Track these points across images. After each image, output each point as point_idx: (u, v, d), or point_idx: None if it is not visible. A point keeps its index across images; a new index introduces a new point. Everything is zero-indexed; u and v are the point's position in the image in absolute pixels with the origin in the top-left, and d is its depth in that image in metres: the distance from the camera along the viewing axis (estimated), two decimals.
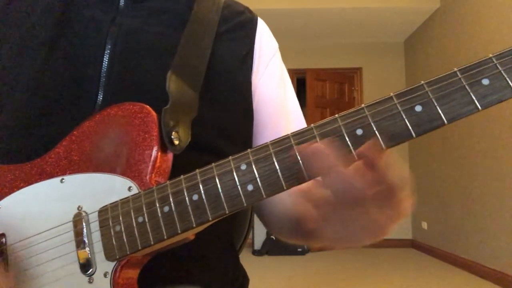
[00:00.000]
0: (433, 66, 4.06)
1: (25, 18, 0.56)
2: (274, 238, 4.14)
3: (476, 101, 0.32)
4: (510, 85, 0.31)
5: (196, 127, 0.51)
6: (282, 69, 0.69)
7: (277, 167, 0.36)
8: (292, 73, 4.28)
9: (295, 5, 3.89)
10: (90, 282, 0.41)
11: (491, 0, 3.03)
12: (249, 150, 0.38)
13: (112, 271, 0.41)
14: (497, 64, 0.32)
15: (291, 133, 0.37)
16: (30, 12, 0.56)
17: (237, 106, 0.60)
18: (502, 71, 0.31)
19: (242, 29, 0.64)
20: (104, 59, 0.53)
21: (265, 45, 0.66)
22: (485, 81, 0.32)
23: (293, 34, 4.49)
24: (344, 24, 4.30)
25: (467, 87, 0.32)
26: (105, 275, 0.41)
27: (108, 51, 0.54)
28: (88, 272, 0.41)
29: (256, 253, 4.12)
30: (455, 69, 0.33)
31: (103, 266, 0.41)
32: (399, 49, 4.83)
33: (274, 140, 0.37)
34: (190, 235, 0.43)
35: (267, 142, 0.38)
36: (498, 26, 2.92)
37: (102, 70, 0.53)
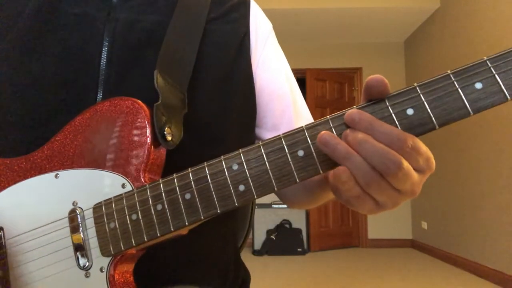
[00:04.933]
0: (433, 66, 4.06)
1: (15, 17, 0.55)
2: (274, 238, 4.14)
3: (468, 106, 0.32)
4: (503, 90, 0.31)
5: (194, 115, 0.51)
6: (278, 48, 0.68)
7: (268, 168, 0.37)
8: (292, 73, 4.27)
9: (295, 5, 3.89)
10: (87, 276, 0.42)
11: (491, 0, 3.03)
12: (240, 150, 0.39)
13: (108, 266, 0.42)
14: (492, 68, 0.31)
15: (282, 134, 0.37)
16: (19, 12, 0.55)
17: (236, 89, 0.58)
18: (496, 75, 0.31)
19: (236, 11, 0.63)
20: (102, 55, 0.53)
21: (260, 25, 0.65)
22: (478, 85, 0.32)
23: (293, 34, 4.49)
24: (344, 24, 4.30)
25: (460, 90, 0.32)
26: (101, 269, 0.42)
27: (106, 48, 0.53)
28: (85, 267, 0.42)
29: (256, 253, 4.12)
30: (449, 71, 0.33)
31: (99, 261, 0.42)
32: (399, 49, 4.82)
33: (265, 141, 0.38)
34: (183, 230, 0.43)
35: (258, 143, 0.38)
36: (498, 26, 2.92)
37: (101, 68, 0.52)
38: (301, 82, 5.01)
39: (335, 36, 4.65)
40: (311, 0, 3.89)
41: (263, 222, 4.20)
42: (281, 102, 0.63)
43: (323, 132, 0.35)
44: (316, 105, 4.47)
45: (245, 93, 0.59)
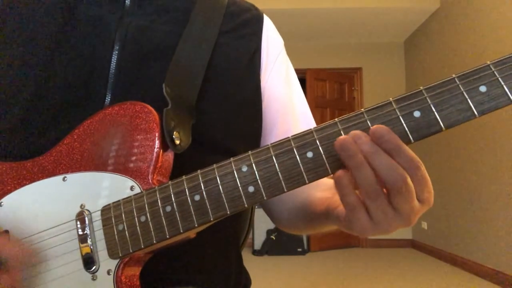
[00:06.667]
0: (433, 66, 4.06)
1: (28, 19, 0.55)
2: (274, 238, 4.14)
3: (473, 108, 0.33)
4: (507, 93, 0.32)
5: (202, 127, 0.51)
6: (288, 65, 0.68)
7: (278, 169, 0.37)
8: None
9: (296, 5, 3.89)
10: (93, 279, 0.42)
11: (491, 0, 3.03)
12: (250, 152, 0.39)
13: (115, 268, 0.42)
14: (495, 72, 0.32)
15: (292, 136, 0.38)
16: (33, 12, 0.55)
17: (244, 105, 0.58)
18: (499, 79, 0.32)
19: (248, 27, 0.63)
20: (113, 59, 0.53)
21: (272, 42, 0.65)
22: (483, 88, 0.32)
23: (293, 34, 4.49)
24: (344, 24, 4.30)
25: (465, 93, 0.33)
26: (108, 272, 0.42)
27: (117, 52, 0.53)
28: (92, 270, 0.42)
29: (256, 253, 4.12)
30: (454, 75, 0.34)
31: (106, 263, 0.42)
32: (399, 49, 4.83)
33: (274, 143, 0.38)
34: (192, 233, 0.43)
35: (268, 145, 0.38)
36: (498, 26, 2.92)
37: (110, 71, 0.52)
38: (301, 82, 4.99)
39: (335, 36, 4.65)
40: (311, 0, 3.89)
41: (263, 222, 4.20)
42: (287, 121, 0.63)
43: (343, 137, 0.35)
44: (316, 105, 4.47)
45: (252, 109, 0.60)
